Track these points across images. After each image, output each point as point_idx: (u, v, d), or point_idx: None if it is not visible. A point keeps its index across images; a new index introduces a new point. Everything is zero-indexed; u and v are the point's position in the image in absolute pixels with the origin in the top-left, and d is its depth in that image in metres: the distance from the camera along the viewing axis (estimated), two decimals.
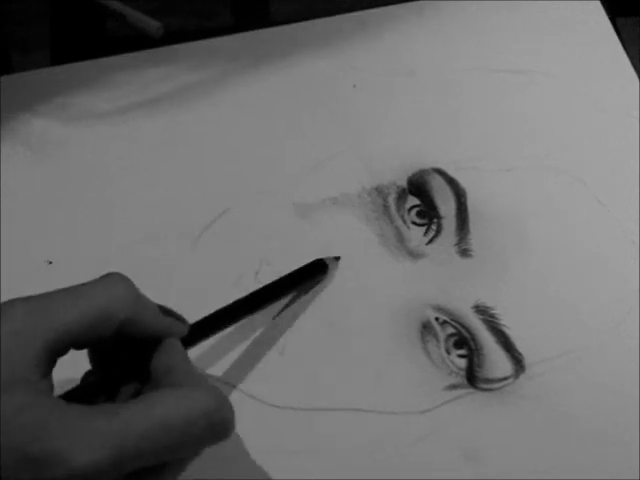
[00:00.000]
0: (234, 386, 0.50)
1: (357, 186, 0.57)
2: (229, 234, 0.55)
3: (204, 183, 0.57)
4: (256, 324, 0.51)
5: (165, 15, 0.66)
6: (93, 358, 0.41)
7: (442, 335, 0.51)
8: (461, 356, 0.51)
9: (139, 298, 0.39)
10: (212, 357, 0.50)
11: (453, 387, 0.50)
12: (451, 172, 0.57)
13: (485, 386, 0.50)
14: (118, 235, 0.55)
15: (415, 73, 0.62)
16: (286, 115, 0.60)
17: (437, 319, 0.52)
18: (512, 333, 0.51)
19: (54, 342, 0.36)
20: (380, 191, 0.56)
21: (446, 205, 0.56)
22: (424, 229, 0.55)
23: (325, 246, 0.54)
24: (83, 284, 0.38)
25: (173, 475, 0.38)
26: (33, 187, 0.57)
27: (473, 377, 0.50)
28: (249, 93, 0.61)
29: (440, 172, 0.57)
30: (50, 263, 0.54)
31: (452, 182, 0.57)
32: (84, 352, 0.40)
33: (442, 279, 0.53)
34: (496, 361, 0.50)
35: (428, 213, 0.56)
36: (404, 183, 0.57)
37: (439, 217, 0.55)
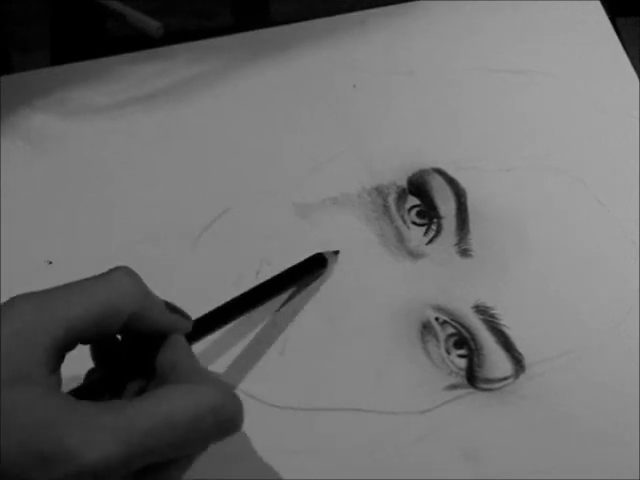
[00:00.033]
0: (234, 386, 0.50)
1: (357, 186, 0.57)
2: (229, 234, 0.55)
3: (204, 182, 0.57)
4: (253, 322, 0.51)
5: (165, 15, 0.66)
6: (96, 355, 0.41)
7: (442, 335, 0.51)
8: (461, 356, 0.51)
9: (147, 293, 0.39)
10: (211, 356, 0.50)
11: (453, 387, 0.50)
12: (451, 172, 0.57)
13: (485, 386, 0.50)
14: (118, 235, 0.55)
15: (415, 73, 0.62)
16: (286, 115, 0.60)
17: (437, 319, 0.52)
18: (512, 333, 0.51)
19: (62, 338, 0.36)
20: (380, 191, 0.56)
21: (446, 205, 0.56)
22: (424, 229, 0.55)
23: (325, 246, 0.54)
24: (89, 278, 0.38)
25: (180, 471, 0.38)
26: (33, 183, 0.57)
27: (473, 377, 0.50)
28: (248, 92, 0.61)
29: (440, 172, 0.57)
30: (50, 263, 0.54)
31: (452, 182, 0.57)
32: (87, 349, 0.40)
33: (442, 279, 0.53)
34: (496, 361, 0.50)
35: (428, 213, 0.56)
36: (404, 183, 0.57)
37: (439, 217, 0.55)
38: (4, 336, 0.35)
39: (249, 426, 0.46)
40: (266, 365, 0.51)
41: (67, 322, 0.36)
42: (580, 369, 0.50)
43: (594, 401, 0.49)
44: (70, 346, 0.37)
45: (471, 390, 0.50)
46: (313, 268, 0.52)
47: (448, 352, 0.51)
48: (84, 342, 0.38)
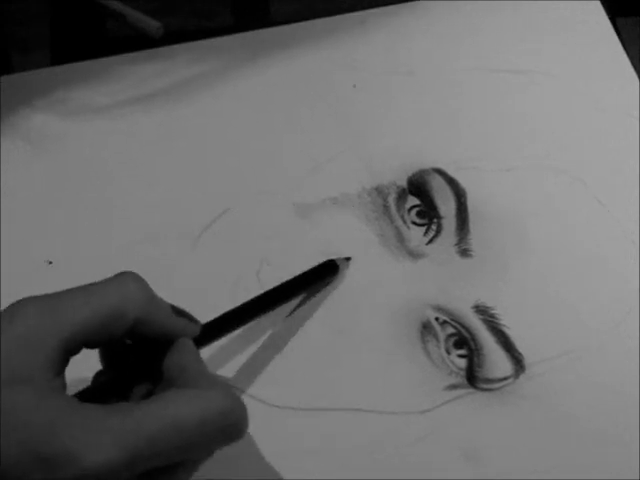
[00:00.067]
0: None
1: (357, 186, 0.57)
2: (229, 234, 0.55)
3: (204, 182, 0.57)
4: (255, 325, 0.51)
5: (165, 15, 0.66)
6: (104, 358, 0.41)
7: (442, 335, 0.51)
8: (461, 356, 0.51)
9: (152, 298, 0.39)
10: (211, 358, 0.50)
11: (453, 387, 0.50)
12: (451, 172, 0.57)
13: (485, 386, 0.50)
14: (118, 235, 0.55)
15: (415, 73, 0.62)
16: (286, 115, 0.60)
17: (437, 319, 0.52)
18: (512, 333, 0.51)
19: (67, 341, 0.36)
20: (380, 191, 0.56)
21: (446, 205, 0.56)
22: (424, 229, 0.55)
23: (325, 246, 0.54)
24: (95, 283, 0.38)
25: (186, 475, 0.38)
26: (33, 183, 0.57)
27: (473, 377, 0.50)
28: (248, 92, 0.61)
29: (440, 172, 0.57)
30: (50, 263, 0.54)
31: (452, 182, 0.57)
32: (94, 352, 0.40)
33: (442, 279, 0.53)
34: (496, 361, 0.50)
35: (428, 213, 0.56)
36: (404, 183, 0.57)
37: (439, 217, 0.55)
38: (8, 338, 0.35)
39: (249, 426, 0.46)
40: (266, 365, 0.51)
41: (71, 326, 0.36)
42: (580, 369, 0.50)
43: (594, 401, 0.49)
44: (75, 350, 0.37)
45: (471, 390, 0.50)
46: (324, 274, 0.52)
47: (448, 352, 0.51)
48: (89, 346, 0.38)
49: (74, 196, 0.57)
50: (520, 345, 0.51)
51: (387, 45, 0.63)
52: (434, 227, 0.55)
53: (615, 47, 0.62)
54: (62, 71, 0.62)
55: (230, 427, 0.37)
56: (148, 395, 0.39)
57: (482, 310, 0.52)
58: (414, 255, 0.54)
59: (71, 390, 0.37)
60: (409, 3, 0.65)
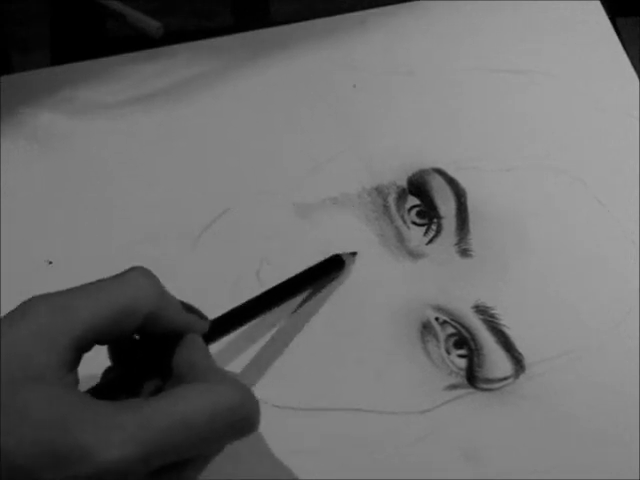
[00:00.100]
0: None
1: (357, 186, 0.57)
2: (229, 234, 0.55)
3: (204, 182, 0.57)
4: (258, 322, 0.51)
5: (165, 15, 0.66)
6: (113, 354, 0.41)
7: (442, 335, 0.51)
8: (461, 356, 0.51)
9: (163, 293, 0.39)
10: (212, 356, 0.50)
11: (453, 387, 0.50)
12: (451, 172, 0.57)
13: (485, 386, 0.50)
14: (118, 235, 0.55)
15: (415, 73, 0.62)
16: (286, 115, 0.60)
17: (437, 319, 0.52)
18: (512, 333, 0.51)
19: (79, 339, 0.36)
20: (380, 191, 0.56)
21: (446, 205, 0.56)
22: (424, 229, 0.55)
23: (325, 246, 0.54)
24: (105, 279, 0.38)
25: (197, 471, 0.37)
26: (32, 183, 0.57)
27: (473, 377, 0.50)
28: (248, 92, 0.61)
29: (440, 172, 0.57)
30: (50, 263, 0.54)
31: (452, 182, 0.57)
32: (103, 347, 0.40)
33: (442, 279, 0.53)
34: (496, 361, 0.50)
35: (428, 213, 0.56)
36: (404, 183, 0.57)
37: (439, 217, 0.55)
38: (21, 337, 0.35)
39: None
40: (266, 365, 0.51)
41: (83, 323, 0.36)
42: (580, 369, 0.50)
43: (594, 401, 0.49)
44: (87, 347, 0.37)
45: (471, 390, 0.50)
46: (330, 270, 0.52)
47: (448, 352, 0.51)
48: (101, 343, 0.38)
49: (74, 196, 0.57)
50: (520, 345, 0.51)
51: (387, 45, 0.63)
52: (434, 227, 0.55)
53: (615, 47, 0.62)
54: (62, 71, 0.62)
55: (241, 421, 0.37)
56: (158, 391, 0.39)
57: (482, 310, 0.52)
58: (414, 255, 0.54)
59: (81, 387, 0.37)
60: (409, 3, 0.65)
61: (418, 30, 0.64)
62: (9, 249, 0.54)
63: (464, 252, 0.54)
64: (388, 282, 0.53)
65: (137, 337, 0.40)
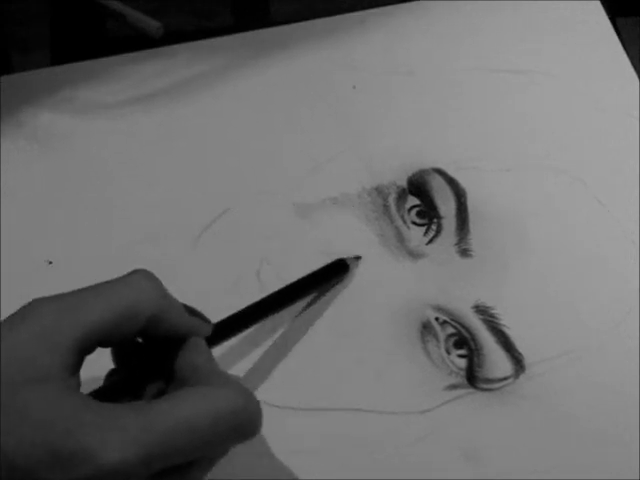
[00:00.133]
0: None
1: (357, 186, 0.57)
2: (229, 234, 0.55)
3: (204, 182, 0.57)
4: (259, 326, 0.51)
5: (165, 15, 0.66)
6: (116, 357, 0.41)
7: (442, 335, 0.51)
8: (461, 356, 0.51)
9: (165, 296, 0.39)
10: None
11: (453, 387, 0.50)
12: (451, 172, 0.57)
13: (485, 386, 0.50)
14: (118, 235, 0.55)
15: (415, 73, 0.62)
16: (286, 115, 0.60)
17: (437, 319, 0.52)
18: (512, 333, 0.51)
19: (82, 341, 0.36)
20: (380, 191, 0.56)
21: (446, 205, 0.56)
22: (424, 229, 0.55)
23: (325, 246, 0.54)
24: (108, 281, 0.38)
25: (200, 474, 0.37)
26: (32, 183, 0.57)
27: (473, 377, 0.50)
28: (248, 92, 0.61)
29: (440, 172, 0.57)
30: (50, 263, 0.54)
31: (452, 182, 0.57)
32: (106, 350, 0.40)
33: (442, 279, 0.53)
34: (496, 361, 0.50)
35: (428, 213, 0.56)
36: (404, 183, 0.57)
37: (439, 217, 0.55)
38: (24, 339, 0.35)
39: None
40: (265, 365, 0.51)
41: (86, 326, 0.36)
42: (580, 369, 0.50)
43: (594, 401, 0.49)
44: (89, 349, 0.37)
45: (471, 390, 0.50)
46: (334, 274, 0.52)
47: (448, 352, 0.51)
48: (103, 345, 0.38)
49: (74, 196, 0.57)
50: (520, 345, 0.51)
51: (387, 45, 0.63)
52: (434, 227, 0.55)
53: (615, 47, 0.63)
54: (62, 71, 0.62)
55: (243, 425, 0.37)
56: (160, 394, 0.39)
57: (482, 310, 0.52)
58: (414, 255, 0.54)
59: (84, 389, 0.37)
60: (409, 3, 0.65)
61: (418, 30, 0.64)
62: (9, 249, 0.54)
63: (464, 252, 0.54)
64: (388, 282, 0.53)
65: (140, 340, 0.40)
